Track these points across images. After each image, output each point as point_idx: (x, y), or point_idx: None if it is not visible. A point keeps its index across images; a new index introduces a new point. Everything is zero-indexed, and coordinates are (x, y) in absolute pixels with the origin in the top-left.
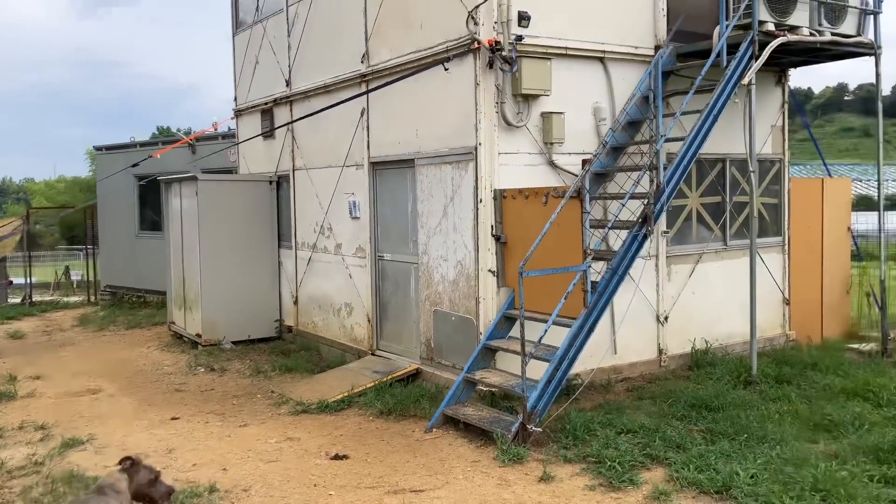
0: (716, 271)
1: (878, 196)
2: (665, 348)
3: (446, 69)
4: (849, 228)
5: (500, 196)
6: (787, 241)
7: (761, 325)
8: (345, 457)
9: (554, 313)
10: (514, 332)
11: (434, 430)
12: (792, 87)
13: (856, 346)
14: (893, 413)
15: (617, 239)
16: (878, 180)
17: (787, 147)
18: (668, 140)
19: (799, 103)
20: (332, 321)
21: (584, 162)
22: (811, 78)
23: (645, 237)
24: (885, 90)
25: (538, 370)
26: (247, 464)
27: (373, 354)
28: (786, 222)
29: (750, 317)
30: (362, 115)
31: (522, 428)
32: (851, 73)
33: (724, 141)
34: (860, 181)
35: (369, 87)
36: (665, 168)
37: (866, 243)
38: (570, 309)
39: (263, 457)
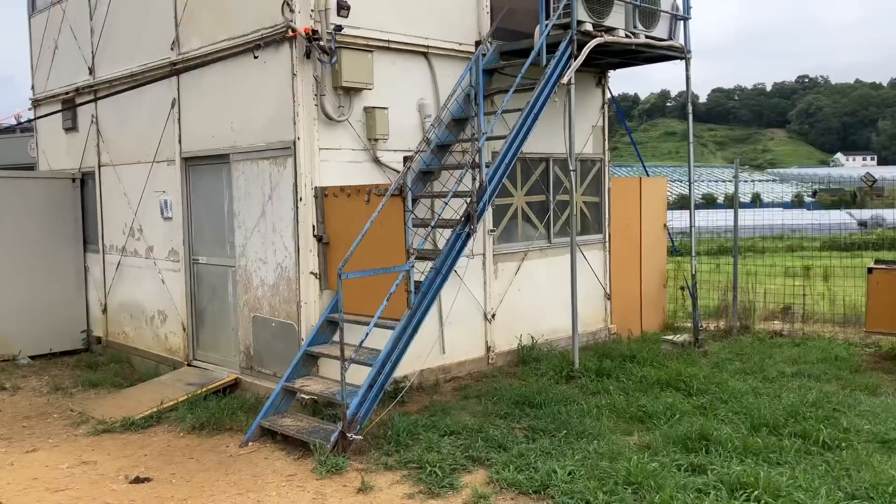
0: (541, 268)
1: (689, 194)
2: (493, 346)
3: (255, 57)
4: (665, 225)
5: (322, 194)
6: (608, 239)
7: (584, 319)
8: (147, 479)
9: (376, 315)
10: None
11: (250, 443)
12: (618, 94)
13: (670, 337)
14: (702, 402)
15: (441, 238)
16: (689, 180)
17: (607, 147)
18: (489, 138)
19: (619, 108)
20: (145, 330)
21: (406, 159)
22: (637, 84)
23: (468, 236)
24: (703, 97)
25: (363, 375)
26: (29, 495)
27: (189, 365)
28: (607, 220)
29: (572, 313)
30: (173, 106)
31: (342, 437)
32: (673, 80)
33: (547, 141)
34: (681, 181)
35: (180, 76)
36: (487, 166)
37: (682, 240)
38: (393, 310)
39: (51, 485)
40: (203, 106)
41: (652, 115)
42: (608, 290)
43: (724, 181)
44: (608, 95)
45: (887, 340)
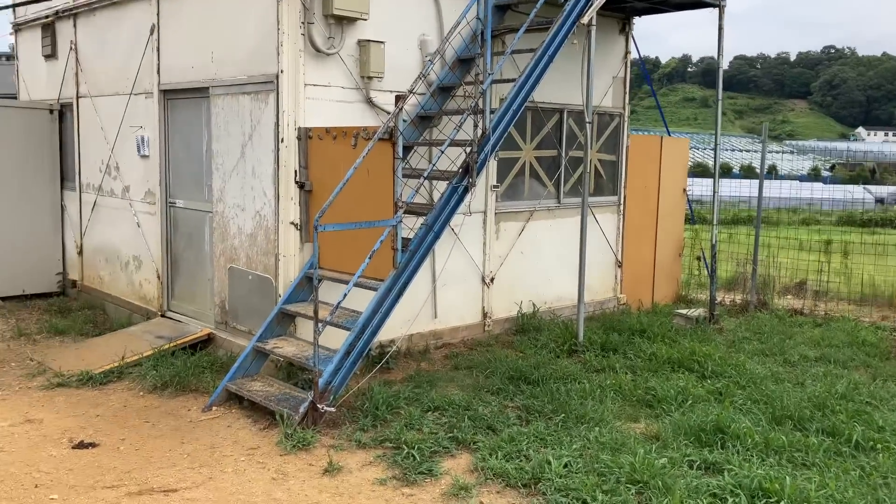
0: (547, 230)
1: (715, 160)
2: (490, 312)
3: None
4: (684, 190)
5: (306, 136)
6: (622, 201)
7: (592, 288)
8: (91, 445)
9: (356, 274)
10: (322, 294)
11: (214, 408)
12: (640, 55)
13: (684, 311)
14: (717, 386)
15: (437, 192)
16: (716, 142)
17: (627, 101)
18: (496, 81)
19: (644, 67)
20: (120, 276)
21: (398, 98)
22: (658, 48)
23: (466, 190)
24: (724, 64)
25: (343, 339)
26: None
27: (163, 316)
28: (623, 181)
29: (578, 280)
30: (152, 32)
31: (313, 408)
32: (695, 45)
33: (562, 90)
34: (697, 148)
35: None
36: (492, 113)
37: (700, 209)
38: (377, 270)
39: None
40: (183, 33)
41: (672, 80)
42: (619, 258)
43: (741, 150)
44: (632, 44)
45: None
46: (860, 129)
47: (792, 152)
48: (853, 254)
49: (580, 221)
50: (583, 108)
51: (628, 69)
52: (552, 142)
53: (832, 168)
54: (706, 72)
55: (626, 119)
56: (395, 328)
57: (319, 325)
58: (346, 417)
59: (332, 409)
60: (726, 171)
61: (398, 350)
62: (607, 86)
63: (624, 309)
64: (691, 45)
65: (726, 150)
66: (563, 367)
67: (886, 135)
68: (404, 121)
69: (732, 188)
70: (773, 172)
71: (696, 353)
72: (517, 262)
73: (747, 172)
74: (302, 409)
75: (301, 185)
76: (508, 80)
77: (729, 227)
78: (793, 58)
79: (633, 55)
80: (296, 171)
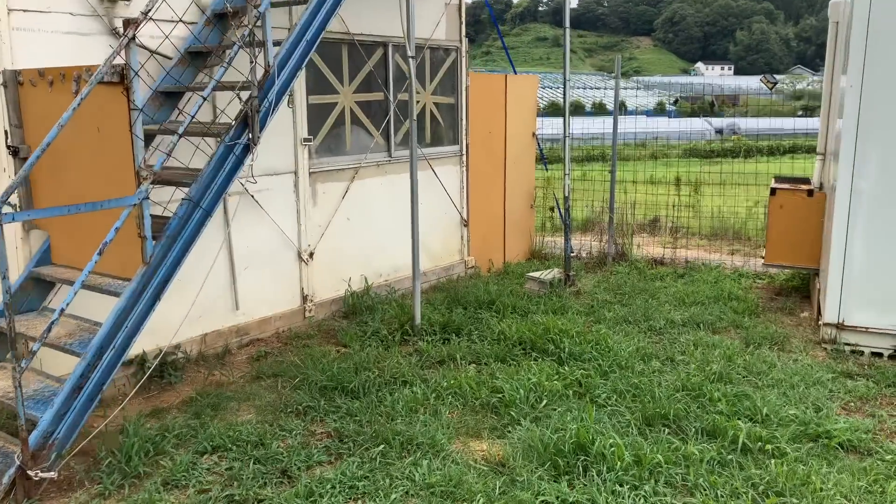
0: (379, 189)
1: (564, 96)
2: (311, 294)
3: None
4: (534, 134)
5: (15, 82)
6: (465, 151)
7: (435, 253)
8: None
9: (83, 273)
10: (59, 299)
11: None
12: None
13: (537, 274)
14: (577, 376)
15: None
16: (564, 79)
17: (464, 33)
18: (278, 4)
19: (491, 7)
20: None
21: (128, 24)
22: None
23: (247, 149)
24: (573, 2)
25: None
26: None
27: None
28: (464, 127)
29: (412, 249)
30: None
31: (22, 475)
32: None
33: (386, 19)
34: (551, 88)
35: None
36: (277, 45)
37: (552, 147)
38: (122, 266)
39: None
40: None
41: (524, 19)
42: (465, 216)
43: (592, 88)
44: None
45: (782, 271)
46: (699, 64)
47: (639, 88)
48: (701, 184)
49: (411, 176)
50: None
51: None
52: (377, 83)
53: (675, 102)
54: (556, 10)
55: (463, 54)
56: (182, 329)
57: (20, 363)
58: (85, 475)
59: (52, 475)
60: (579, 109)
61: (187, 356)
62: (438, 14)
63: (473, 273)
64: None
65: (578, 88)
66: (394, 366)
67: (723, 69)
68: (165, 57)
69: (585, 126)
70: (622, 108)
71: (551, 330)
72: (343, 231)
73: (598, 109)
74: (6, 478)
75: (14, 152)
76: (297, 2)
77: (582, 165)
78: None
79: None
80: (6, 133)
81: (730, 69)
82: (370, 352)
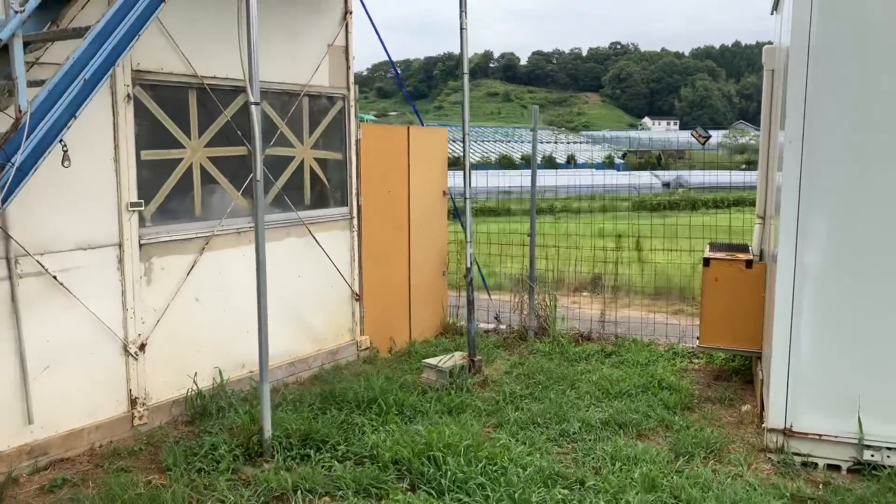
0: (239, 262)
1: (464, 153)
2: (145, 395)
3: None
4: (444, 192)
5: None
6: (355, 213)
7: (317, 334)
8: None
9: None
10: None
11: None
12: (442, 52)
13: (434, 362)
14: None
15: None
16: (464, 132)
17: (352, 80)
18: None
19: (395, 66)
20: None
21: None
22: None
23: None
24: (523, 59)
25: None
26: None
27: None
28: (354, 186)
29: (259, 337)
30: None
31: None
32: (497, 42)
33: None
34: (502, 142)
35: None
36: (34, 86)
37: (507, 198)
38: None
39: None
40: None
41: (475, 76)
42: (357, 289)
43: (541, 142)
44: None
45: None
46: (646, 119)
47: (588, 142)
48: (647, 237)
49: (257, 247)
50: (286, 87)
51: (350, 35)
52: (236, 136)
53: (624, 156)
54: (508, 66)
55: (352, 103)
56: None
57: None
58: None
59: None
60: (528, 162)
61: None
62: (318, 57)
63: (368, 356)
64: (493, 41)
65: (526, 142)
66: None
67: (668, 124)
68: None
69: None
70: (571, 161)
71: (434, 445)
72: (190, 315)
73: (548, 163)
74: None
75: None
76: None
77: (522, 219)
78: (585, 53)
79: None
80: None
81: (675, 124)
82: (193, 482)
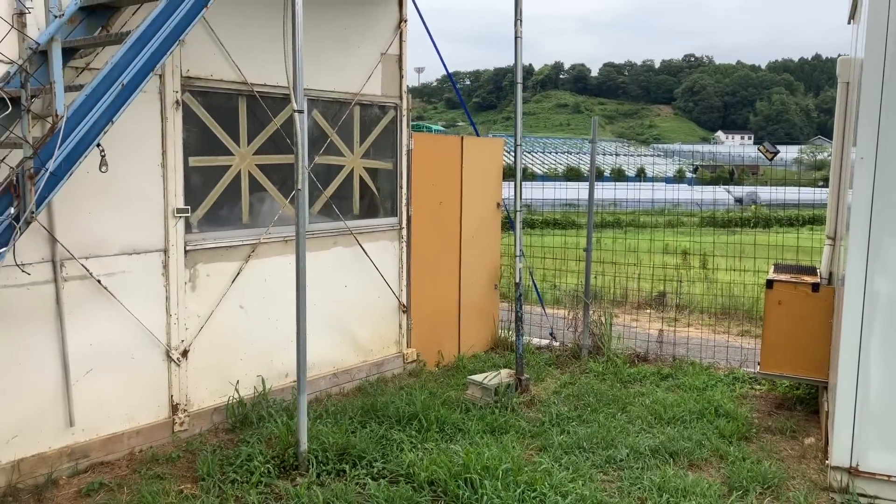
0: (286, 269)
1: (516, 162)
2: (186, 401)
3: None
4: (499, 204)
5: None
6: (404, 223)
7: (362, 345)
8: None
9: None
10: None
11: None
12: (510, 63)
13: (480, 379)
14: None
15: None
16: (516, 143)
17: (405, 89)
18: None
19: (450, 72)
20: None
21: None
22: (531, 56)
23: (10, 230)
24: (594, 71)
25: None
26: None
27: None
28: (403, 196)
29: (297, 351)
30: None
31: None
32: (567, 53)
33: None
34: (570, 153)
35: None
36: (73, 90)
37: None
38: None
39: None
40: None
41: (545, 87)
42: (404, 300)
43: (611, 154)
44: (407, 8)
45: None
46: (719, 133)
47: (659, 155)
48: (714, 255)
49: (298, 254)
50: (336, 96)
51: (404, 44)
52: (286, 143)
53: (695, 170)
54: (578, 78)
55: (404, 112)
56: None
57: None
58: None
59: None
60: (598, 175)
61: None
62: (370, 66)
63: (414, 369)
64: (563, 53)
65: (598, 154)
66: None
67: (742, 138)
68: None
69: (604, 192)
70: (642, 175)
71: (472, 467)
72: (234, 322)
73: (618, 176)
74: None
75: None
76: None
77: (598, 231)
78: (657, 65)
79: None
80: None
81: (749, 138)
82: (224, 494)
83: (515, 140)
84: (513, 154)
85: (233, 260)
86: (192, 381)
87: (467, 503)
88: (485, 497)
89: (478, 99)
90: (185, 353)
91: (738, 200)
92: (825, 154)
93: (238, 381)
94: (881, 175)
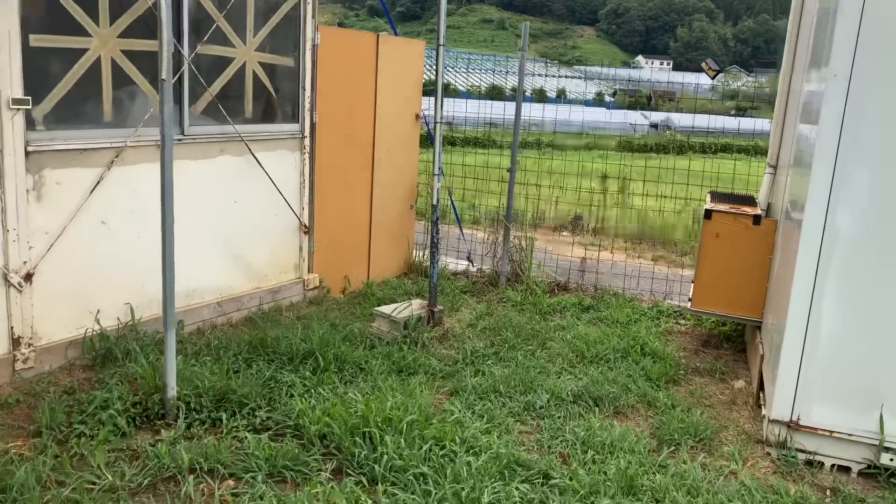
0: (158, 180)
1: (437, 70)
2: (31, 335)
3: None
4: (418, 116)
5: None
6: (309, 132)
7: (258, 269)
8: None
9: None
10: None
11: None
12: None
13: (388, 311)
14: None
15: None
16: (438, 42)
17: None
18: None
19: None
20: None
21: None
22: None
23: None
24: None
25: None
26: None
27: None
28: (307, 100)
29: (163, 279)
30: None
31: None
32: None
33: None
34: (493, 71)
35: None
36: None
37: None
38: None
39: None
40: None
41: (470, 0)
42: (306, 220)
43: (534, 74)
44: None
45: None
46: (640, 57)
47: (581, 77)
48: (631, 180)
49: (163, 163)
50: None
51: None
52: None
53: (614, 94)
54: None
55: (309, 1)
56: None
57: None
58: None
59: None
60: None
61: None
62: None
63: (316, 297)
64: None
65: (516, 73)
66: (81, 487)
67: (662, 63)
68: None
69: (532, 110)
70: (562, 96)
71: (371, 419)
72: (94, 240)
73: (539, 96)
74: None
75: None
76: None
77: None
78: None
79: None
80: None
81: (669, 64)
82: (64, 453)
83: (438, 39)
84: (434, 68)
85: (91, 166)
86: (40, 311)
87: (364, 463)
88: (385, 456)
89: (401, 8)
90: (28, 277)
91: (654, 125)
92: (739, 83)
93: (99, 311)
94: (854, 95)
